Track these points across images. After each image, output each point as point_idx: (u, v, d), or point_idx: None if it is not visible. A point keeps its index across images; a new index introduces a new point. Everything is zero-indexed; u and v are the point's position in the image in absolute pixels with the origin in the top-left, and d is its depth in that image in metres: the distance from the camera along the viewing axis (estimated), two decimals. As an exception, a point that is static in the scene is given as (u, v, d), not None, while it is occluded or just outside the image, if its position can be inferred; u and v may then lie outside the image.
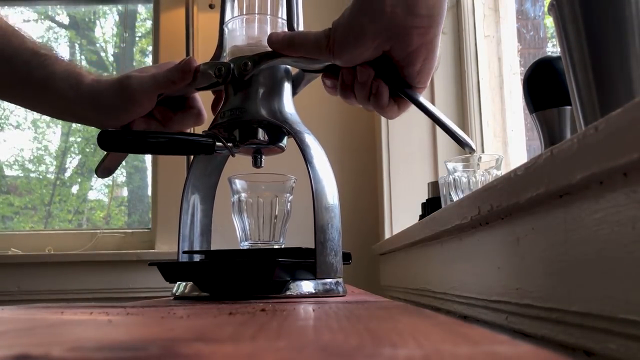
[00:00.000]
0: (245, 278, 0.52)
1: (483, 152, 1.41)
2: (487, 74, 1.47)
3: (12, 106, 2.11)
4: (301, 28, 0.59)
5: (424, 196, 1.20)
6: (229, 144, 0.57)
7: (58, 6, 2.20)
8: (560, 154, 0.40)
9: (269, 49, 0.56)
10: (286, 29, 0.59)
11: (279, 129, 0.58)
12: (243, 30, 0.61)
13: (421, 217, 1.16)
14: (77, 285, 1.65)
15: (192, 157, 0.63)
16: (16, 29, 0.64)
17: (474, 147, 0.53)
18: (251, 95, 0.57)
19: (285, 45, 0.55)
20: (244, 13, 0.61)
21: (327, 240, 0.54)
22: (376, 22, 0.50)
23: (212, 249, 0.64)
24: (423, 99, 0.54)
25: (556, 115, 0.71)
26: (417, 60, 0.52)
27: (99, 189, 2.17)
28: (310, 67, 0.57)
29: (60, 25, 2.28)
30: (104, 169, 0.64)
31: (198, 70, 0.59)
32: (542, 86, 0.72)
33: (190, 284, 0.56)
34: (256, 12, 0.61)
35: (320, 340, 0.19)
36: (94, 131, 0.72)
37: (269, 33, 0.58)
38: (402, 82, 0.54)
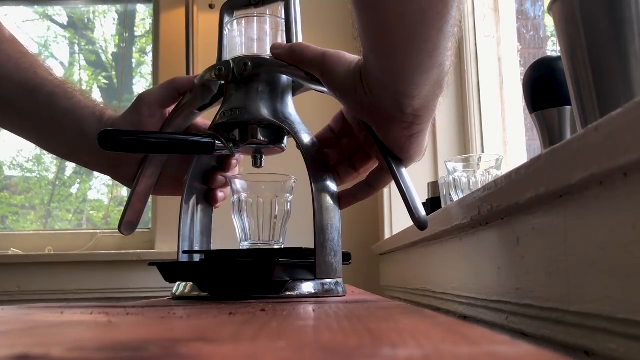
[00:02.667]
0: (245, 278, 0.52)
1: (483, 152, 1.41)
2: (487, 74, 1.47)
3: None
4: (300, 35, 0.59)
5: (424, 196, 1.20)
6: (229, 144, 0.57)
7: (57, 6, 2.20)
8: (560, 154, 0.40)
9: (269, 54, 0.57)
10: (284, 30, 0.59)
11: (279, 129, 0.58)
12: (242, 31, 0.61)
13: (421, 217, 1.16)
14: (77, 285, 1.65)
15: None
16: (43, 63, 0.65)
17: (425, 227, 0.53)
18: (251, 95, 0.57)
19: (286, 52, 0.55)
20: (243, 24, 0.62)
21: (327, 240, 0.54)
22: (363, 103, 0.50)
23: (212, 249, 0.64)
24: (401, 168, 0.53)
25: (556, 115, 0.71)
26: (397, 147, 0.52)
27: (98, 189, 2.17)
28: (308, 85, 0.57)
29: (59, 25, 2.28)
30: (127, 224, 0.64)
31: (194, 88, 0.61)
32: (542, 86, 0.72)
33: (190, 284, 0.56)
34: (255, 14, 0.61)
35: (320, 340, 0.19)
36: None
37: (268, 32, 0.58)
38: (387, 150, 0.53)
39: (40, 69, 0.64)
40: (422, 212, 0.52)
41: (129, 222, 0.64)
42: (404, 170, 0.53)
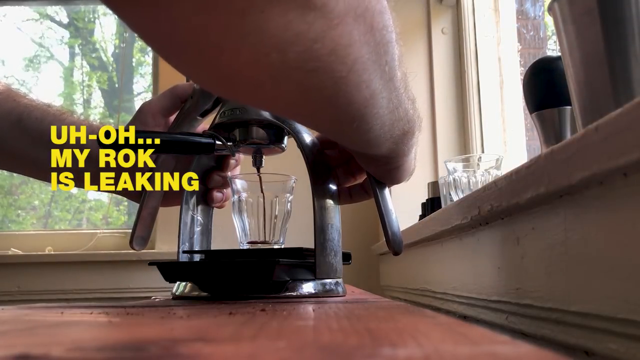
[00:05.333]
0: (245, 278, 0.52)
1: (483, 152, 1.41)
2: (487, 74, 1.47)
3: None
4: None
5: (424, 196, 1.20)
6: (229, 144, 0.57)
7: (57, 5, 2.20)
8: (560, 154, 0.40)
9: None
10: None
11: (280, 128, 0.58)
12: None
13: (421, 217, 1.16)
14: (77, 285, 1.65)
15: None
16: (18, 90, 0.62)
17: (399, 251, 0.54)
18: (251, 95, 0.57)
19: None
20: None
21: (327, 240, 0.54)
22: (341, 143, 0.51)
23: (212, 249, 0.64)
24: (384, 191, 0.55)
25: (556, 115, 0.71)
26: (378, 176, 0.53)
27: (99, 188, 2.17)
28: None
29: (60, 24, 2.28)
30: (138, 238, 0.62)
31: (194, 93, 0.61)
32: (542, 86, 0.72)
33: (190, 283, 0.56)
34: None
35: (320, 340, 0.19)
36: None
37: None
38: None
39: (18, 96, 0.61)
40: (399, 236, 0.54)
41: (140, 236, 0.63)
42: (386, 192, 0.54)
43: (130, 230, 0.63)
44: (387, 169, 0.51)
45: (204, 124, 0.65)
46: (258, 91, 0.33)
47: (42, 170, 0.61)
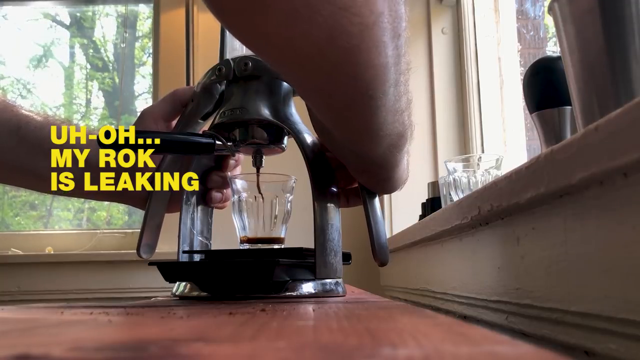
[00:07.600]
0: (245, 278, 0.52)
1: (483, 152, 1.41)
2: (487, 74, 1.47)
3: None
4: None
5: (424, 196, 1.20)
6: (229, 144, 0.57)
7: (59, 6, 2.20)
8: (560, 154, 0.40)
9: None
10: None
11: (280, 128, 0.58)
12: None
13: (421, 217, 1.16)
14: (77, 285, 1.65)
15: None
16: (14, 102, 0.62)
17: (384, 262, 0.56)
18: (251, 94, 0.57)
19: None
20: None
21: (327, 240, 0.54)
22: (332, 148, 0.53)
23: (212, 249, 0.64)
24: (374, 201, 0.56)
25: (556, 115, 0.71)
26: (368, 186, 0.55)
27: (99, 188, 2.17)
28: None
29: (61, 24, 2.29)
30: (145, 246, 0.61)
31: (195, 96, 0.61)
32: (542, 86, 0.72)
33: (190, 283, 0.56)
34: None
35: (320, 340, 0.19)
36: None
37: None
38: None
39: (16, 107, 0.61)
40: (385, 247, 0.54)
41: (146, 244, 0.62)
42: (376, 202, 0.55)
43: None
44: (378, 179, 0.52)
45: (205, 127, 0.65)
46: (290, 22, 0.32)
47: (40, 180, 0.60)
